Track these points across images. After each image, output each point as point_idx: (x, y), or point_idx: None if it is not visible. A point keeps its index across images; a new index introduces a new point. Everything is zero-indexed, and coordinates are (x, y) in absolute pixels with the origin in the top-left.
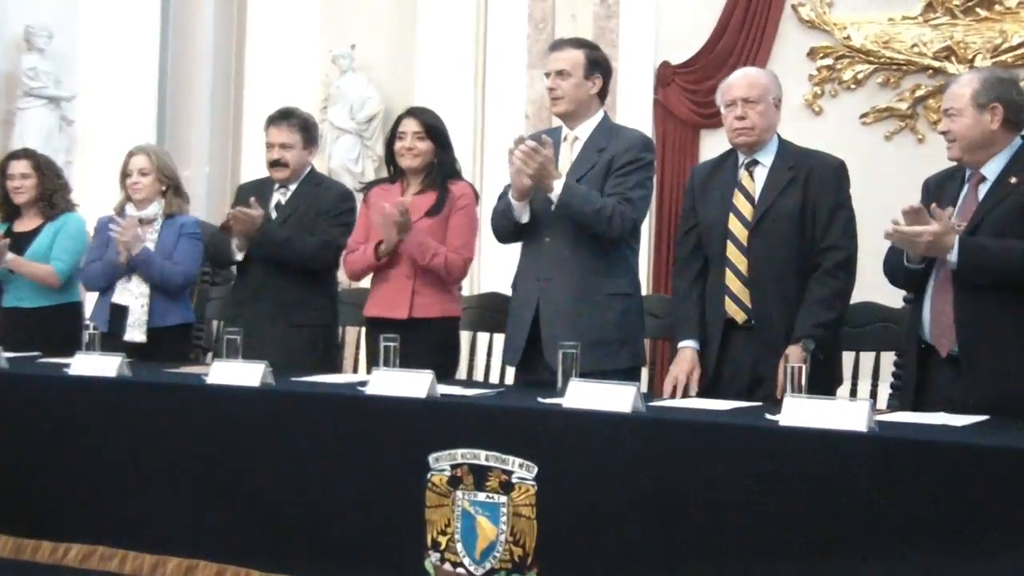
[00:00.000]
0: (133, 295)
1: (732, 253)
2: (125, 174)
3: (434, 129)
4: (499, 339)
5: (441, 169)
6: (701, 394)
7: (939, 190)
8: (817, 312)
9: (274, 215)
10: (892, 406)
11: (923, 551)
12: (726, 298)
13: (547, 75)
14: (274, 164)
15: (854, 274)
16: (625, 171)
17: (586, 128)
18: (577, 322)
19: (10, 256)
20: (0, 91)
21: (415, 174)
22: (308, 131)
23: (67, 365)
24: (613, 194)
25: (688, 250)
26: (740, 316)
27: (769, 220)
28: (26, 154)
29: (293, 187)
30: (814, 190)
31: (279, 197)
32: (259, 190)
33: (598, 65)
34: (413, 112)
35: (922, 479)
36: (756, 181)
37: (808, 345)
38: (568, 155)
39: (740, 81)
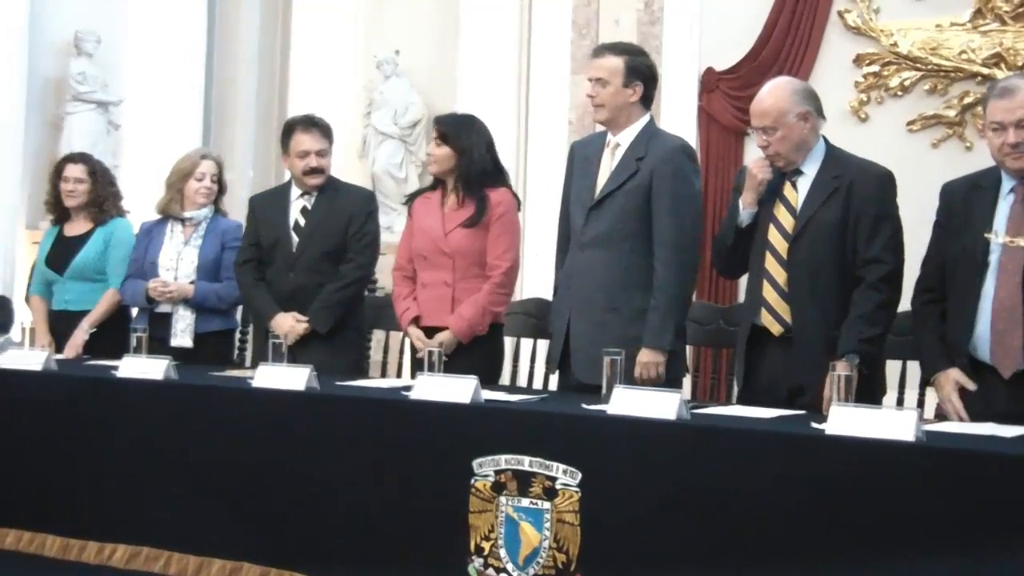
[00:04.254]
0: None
1: (770, 264)
2: (192, 177)
3: (447, 136)
4: (542, 345)
5: (466, 176)
6: (737, 400)
7: (966, 201)
8: (861, 327)
9: (302, 222)
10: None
11: (971, 561)
12: (762, 309)
13: (589, 81)
14: (312, 172)
15: (899, 288)
16: (675, 207)
17: (628, 135)
18: (604, 335)
19: (84, 327)
20: (49, 95)
21: (448, 180)
22: (331, 137)
23: (115, 368)
24: (664, 245)
25: None
26: (776, 328)
27: (809, 232)
28: (83, 158)
29: (315, 193)
30: (857, 201)
31: (304, 203)
32: (273, 200)
33: (638, 72)
34: (435, 119)
35: (971, 489)
36: (799, 192)
37: (853, 361)
38: (609, 162)
39: (755, 109)
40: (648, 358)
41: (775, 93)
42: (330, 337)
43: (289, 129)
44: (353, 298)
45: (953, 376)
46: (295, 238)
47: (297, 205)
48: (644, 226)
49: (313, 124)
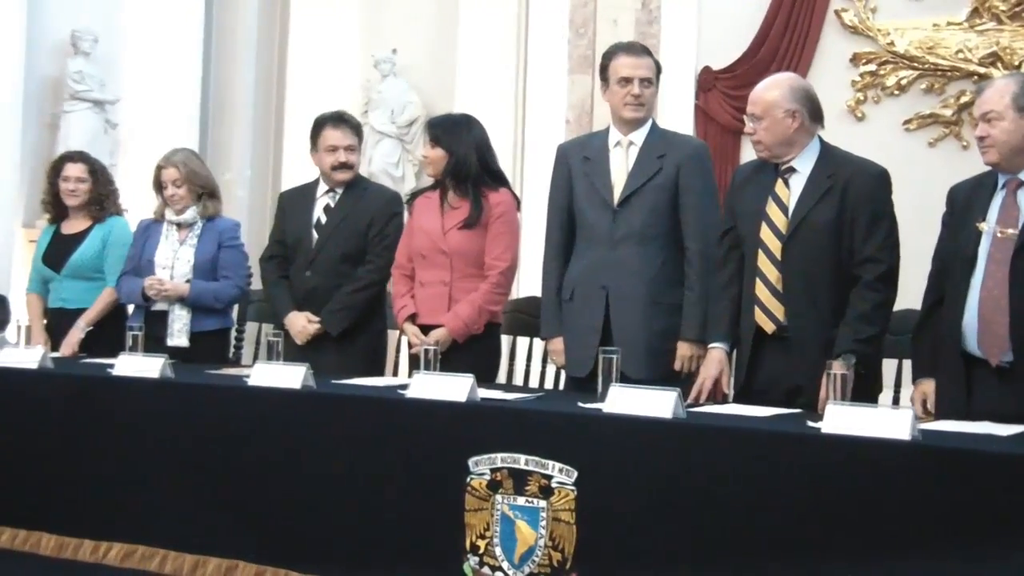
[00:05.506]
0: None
1: (763, 263)
2: (160, 185)
3: (439, 138)
4: (538, 344)
5: (455, 176)
6: (735, 400)
7: (967, 199)
8: (858, 327)
9: (324, 219)
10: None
11: (966, 560)
12: (756, 308)
13: (626, 79)
14: (341, 167)
15: (895, 286)
16: (703, 203)
17: (640, 134)
18: (649, 328)
19: (81, 325)
20: (46, 94)
21: (446, 181)
22: (361, 134)
23: (111, 366)
24: (696, 240)
25: (725, 250)
26: (769, 327)
27: (803, 231)
28: (82, 157)
29: (340, 191)
30: (852, 199)
31: (327, 201)
32: (301, 197)
33: (660, 73)
34: (428, 121)
35: (966, 488)
36: (792, 190)
37: (849, 360)
38: (624, 160)
39: (751, 95)
40: (688, 351)
41: (772, 85)
42: (345, 340)
43: (319, 125)
44: (369, 301)
45: (923, 388)
46: (315, 236)
47: (321, 203)
48: (674, 221)
49: (343, 120)
